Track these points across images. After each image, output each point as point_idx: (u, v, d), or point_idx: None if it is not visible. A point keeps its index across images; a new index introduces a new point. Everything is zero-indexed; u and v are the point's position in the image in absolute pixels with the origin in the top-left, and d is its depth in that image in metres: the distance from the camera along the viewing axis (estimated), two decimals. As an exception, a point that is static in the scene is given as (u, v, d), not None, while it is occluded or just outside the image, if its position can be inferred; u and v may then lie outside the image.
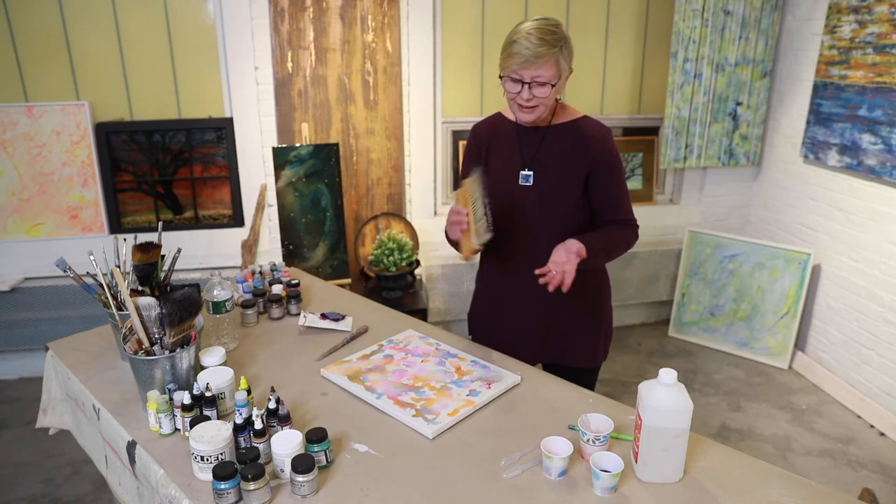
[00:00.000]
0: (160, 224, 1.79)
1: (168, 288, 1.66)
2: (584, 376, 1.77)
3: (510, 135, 1.73)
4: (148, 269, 1.61)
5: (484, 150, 1.77)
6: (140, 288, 1.60)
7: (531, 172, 1.68)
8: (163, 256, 1.65)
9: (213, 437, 1.19)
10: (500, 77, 1.58)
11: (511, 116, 1.74)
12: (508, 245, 1.72)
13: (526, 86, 1.53)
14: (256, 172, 3.31)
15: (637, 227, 1.75)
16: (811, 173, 3.34)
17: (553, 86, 1.53)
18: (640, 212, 3.88)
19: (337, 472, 1.22)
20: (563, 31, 1.53)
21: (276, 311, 1.89)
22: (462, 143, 3.53)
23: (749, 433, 2.88)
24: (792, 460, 2.69)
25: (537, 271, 1.53)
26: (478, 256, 1.79)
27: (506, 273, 1.77)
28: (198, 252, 3.31)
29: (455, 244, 1.69)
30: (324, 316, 1.84)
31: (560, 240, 1.59)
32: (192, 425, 1.24)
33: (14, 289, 3.07)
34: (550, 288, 1.52)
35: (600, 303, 1.82)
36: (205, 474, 1.19)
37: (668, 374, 1.15)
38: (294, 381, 1.54)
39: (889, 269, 2.86)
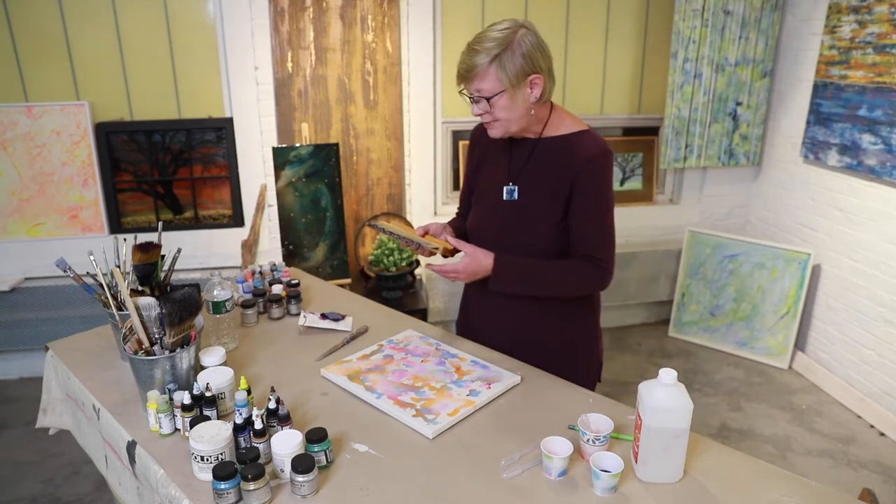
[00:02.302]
0: (160, 224, 1.79)
1: (168, 288, 1.66)
2: None
3: (502, 144, 1.63)
4: (148, 269, 1.61)
5: (476, 154, 1.69)
6: (140, 288, 1.60)
7: (515, 187, 1.57)
8: (163, 256, 1.65)
9: (213, 437, 1.19)
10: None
11: None
12: None
13: (472, 100, 1.47)
14: (256, 172, 3.31)
15: (605, 269, 1.51)
16: (811, 173, 3.34)
17: (489, 100, 1.42)
18: (639, 212, 3.93)
19: (337, 472, 1.22)
20: (510, 35, 1.38)
21: (276, 311, 1.89)
22: (462, 144, 3.54)
23: (749, 433, 2.88)
24: (792, 460, 2.69)
25: (428, 267, 1.53)
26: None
27: (484, 292, 1.63)
28: (198, 252, 3.31)
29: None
30: (324, 316, 1.84)
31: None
32: (192, 425, 1.24)
33: (14, 289, 3.07)
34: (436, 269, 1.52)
35: (586, 332, 1.68)
36: (205, 474, 1.19)
37: (668, 374, 1.15)
38: (294, 381, 1.54)
39: (889, 269, 2.86)
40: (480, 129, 1.69)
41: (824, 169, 3.24)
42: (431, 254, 1.57)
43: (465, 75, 1.43)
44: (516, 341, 1.67)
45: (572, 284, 1.54)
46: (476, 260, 1.51)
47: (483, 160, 1.68)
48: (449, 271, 1.51)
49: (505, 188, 1.58)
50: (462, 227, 1.77)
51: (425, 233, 1.65)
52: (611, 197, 1.51)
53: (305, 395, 1.48)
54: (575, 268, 1.52)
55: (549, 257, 1.53)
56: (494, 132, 1.51)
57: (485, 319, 1.72)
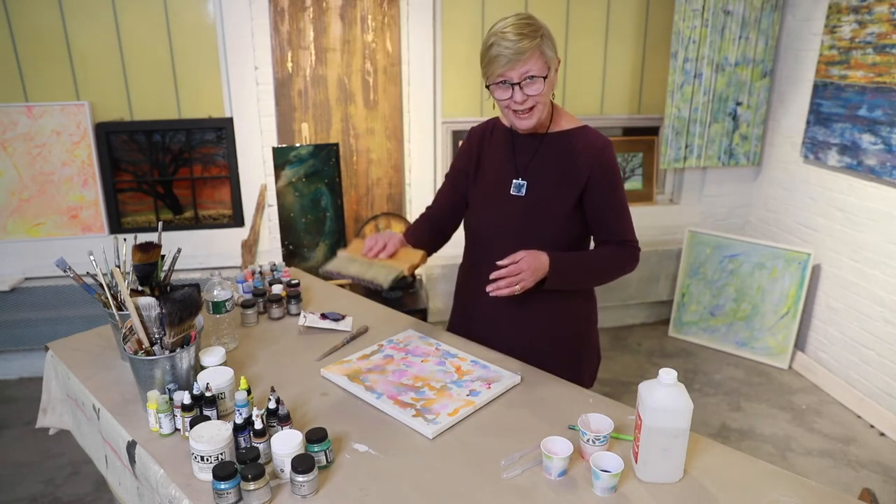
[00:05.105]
0: (160, 224, 1.79)
1: (168, 288, 1.66)
2: None
3: (505, 141, 1.66)
4: (148, 269, 1.61)
5: (475, 154, 1.70)
6: (140, 288, 1.60)
7: (524, 182, 1.60)
8: (163, 256, 1.65)
9: (213, 437, 1.19)
10: (488, 87, 1.49)
11: (507, 122, 1.65)
12: (494, 259, 1.53)
13: (517, 87, 1.45)
14: (256, 172, 3.31)
15: (636, 248, 1.62)
16: (811, 173, 3.34)
17: (545, 79, 1.45)
18: (639, 212, 3.93)
19: (337, 472, 1.22)
20: (538, 21, 1.46)
21: (276, 311, 1.89)
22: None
23: (749, 433, 2.88)
24: (792, 460, 2.69)
25: (493, 275, 1.44)
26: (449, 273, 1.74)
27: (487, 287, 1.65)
28: (198, 252, 3.31)
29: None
30: (324, 316, 1.84)
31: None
32: (192, 425, 1.24)
33: (14, 289, 3.07)
34: (497, 292, 1.44)
35: (587, 328, 1.73)
36: (205, 474, 1.19)
37: (668, 374, 1.15)
38: (294, 381, 1.54)
39: (889, 269, 2.86)
40: (480, 130, 1.73)
41: (824, 169, 3.24)
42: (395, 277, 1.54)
43: (516, 58, 1.41)
44: (524, 345, 1.66)
45: (614, 270, 1.62)
46: (538, 259, 1.47)
47: (484, 159, 1.69)
48: (515, 273, 1.44)
49: (514, 182, 1.61)
50: (430, 230, 1.79)
51: (383, 247, 1.63)
52: (622, 183, 1.62)
53: (305, 395, 1.48)
54: (615, 253, 1.60)
55: (553, 247, 1.55)
56: (529, 122, 1.51)
57: (490, 323, 1.71)
